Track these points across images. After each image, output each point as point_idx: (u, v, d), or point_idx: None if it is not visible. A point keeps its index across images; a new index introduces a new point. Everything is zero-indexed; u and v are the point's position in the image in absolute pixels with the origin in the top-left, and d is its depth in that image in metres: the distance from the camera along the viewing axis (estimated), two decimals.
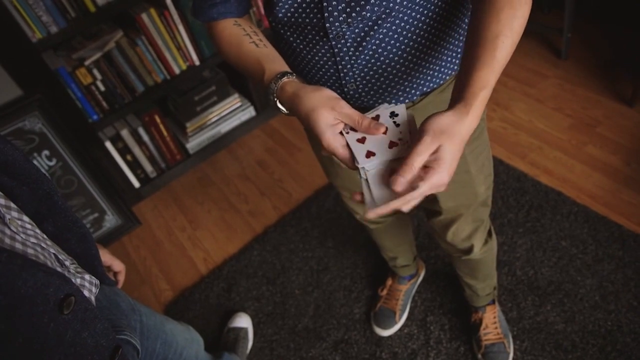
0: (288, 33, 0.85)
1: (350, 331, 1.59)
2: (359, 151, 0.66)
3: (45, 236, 0.64)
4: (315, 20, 0.77)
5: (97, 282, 0.72)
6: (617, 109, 2.02)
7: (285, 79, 0.73)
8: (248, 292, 1.75)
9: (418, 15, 0.77)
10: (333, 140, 0.67)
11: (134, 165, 2.16)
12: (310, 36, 0.81)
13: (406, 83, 0.85)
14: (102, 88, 1.87)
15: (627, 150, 1.86)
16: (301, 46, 0.85)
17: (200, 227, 2.04)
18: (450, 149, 0.61)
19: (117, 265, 0.95)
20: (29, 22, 1.59)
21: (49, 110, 1.77)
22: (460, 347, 1.48)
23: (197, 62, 2.06)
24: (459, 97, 0.65)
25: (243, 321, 1.65)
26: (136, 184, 2.19)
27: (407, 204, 0.61)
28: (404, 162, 0.60)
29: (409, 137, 0.66)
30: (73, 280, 0.64)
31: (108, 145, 2.03)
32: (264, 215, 2.01)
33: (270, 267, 1.81)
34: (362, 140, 0.67)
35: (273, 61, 0.77)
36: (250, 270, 1.82)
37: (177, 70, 2.03)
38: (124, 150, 2.10)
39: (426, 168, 0.61)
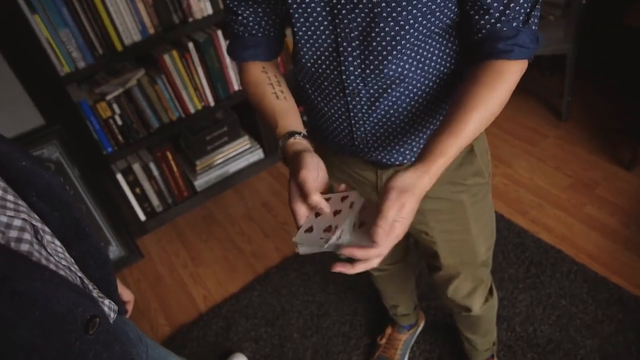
0: (307, 85, 0.91)
1: None
2: (304, 226, 0.71)
3: (72, 260, 0.67)
4: (334, 74, 0.83)
5: (116, 308, 0.74)
6: (616, 172, 2.08)
7: (291, 140, 0.79)
8: (247, 333, 1.75)
9: (429, 82, 0.83)
10: (296, 202, 0.72)
11: (142, 199, 2.20)
12: (328, 90, 0.87)
13: (413, 143, 0.91)
14: (120, 122, 1.94)
15: (625, 212, 1.90)
16: (319, 98, 0.90)
17: (203, 264, 2.05)
18: (410, 204, 0.66)
19: (127, 295, 0.97)
20: (59, 56, 1.67)
21: (67, 140, 1.83)
22: None
23: (212, 103, 2.13)
24: (421, 157, 0.70)
25: None
26: (142, 217, 2.22)
27: (378, 258, 0.66)
28: (379, 216, 0.64)
29: (346, 223, 0.70)
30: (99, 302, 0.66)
31: (119, 177, 2.07)
32: (266, 257, 2.02)
33: (270, 309, 1.81)
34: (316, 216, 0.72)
35: (287, 116, 0.83)
36: (250, 310, 1.82)
37: (192, 110, 2.10)
38: (134, 183, 2.14)
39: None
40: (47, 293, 0.49)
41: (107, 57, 1.79)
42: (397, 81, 0.81)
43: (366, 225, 0.71)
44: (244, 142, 2.38)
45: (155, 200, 2.23)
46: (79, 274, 0.65)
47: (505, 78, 0.73)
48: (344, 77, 0.82)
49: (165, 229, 2.25)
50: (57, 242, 0.64)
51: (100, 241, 1.99)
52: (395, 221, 0.65)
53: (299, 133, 0.80)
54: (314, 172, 0.71)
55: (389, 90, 0.82)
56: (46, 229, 0.61)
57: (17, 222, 0.53)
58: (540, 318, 1.61)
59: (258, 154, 2.42)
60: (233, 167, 2.37)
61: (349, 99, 0.85)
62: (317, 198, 0.69)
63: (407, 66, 0.79)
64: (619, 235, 1.83)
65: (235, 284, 1.94)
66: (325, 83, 0.86)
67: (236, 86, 2.18)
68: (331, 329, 1.72)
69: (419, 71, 0.81)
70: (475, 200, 1.01)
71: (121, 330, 0.87)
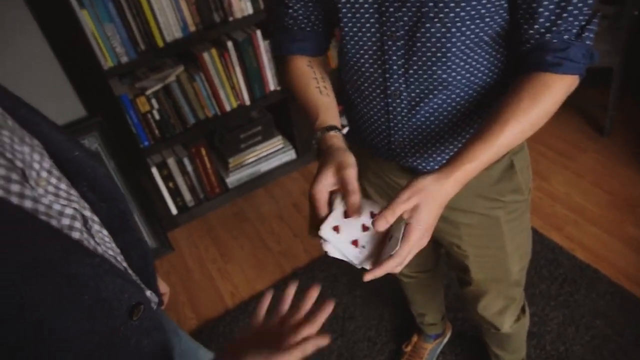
0: (349, 84, 0.91)
1: None
2: (331, 222, 0.70)
3: (119, 251, 0.68)
4: (377, 73, 0.82)
5: (156, 299, 0.76)
6: None
7: (332, 133, 0.78)
8: None
9: (473, 92, 0.81)
10: (320, 189, 0.70)
11: (175, 193, 2.23)
12: (370, 89, 0.86)
13: (451, 151, 0.89)
14: (157, 117, 1.97)
15: None
16: (359, 98, 0.90)
17: (232, 261, 2.07)
18: (427, 208, 0.64)
19: (163, 287, 0.98)
20: (104, 51, 1.71)
21: (106, 132, 1.87)
22: None
23: (247, 102, 2.15)
24: (448, 161, 0.68)
25: None
26: (174, 211, 2.25)
27: (398, 265, 0.65)
28: (387, 206, 0.64)
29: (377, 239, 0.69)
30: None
31: (154, 171, 2.11)
32: (294, 257, 2.03)
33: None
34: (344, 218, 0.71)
35: (328, 112, 0.83)
36: None
37: (228, 108, 2.12)
38: (168, 178, 2.17)
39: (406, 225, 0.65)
40: (96, 278, 0.49)
41: (149, 52, 1.82)
42: (440, 87, 0.79)
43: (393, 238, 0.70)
44: (277, 142, 2.39)
45: (187, 195, 2.27)
46: (124, 264, 0.66)
47: (551, 91, 0.70)
48: (387, 76, 0.81)
49: (196, 223, 2.29)
50: (105, 232, 0.64)
51: None
52: (412, 225, 0.64)
53: (339, 130, 0.79)
54: (356, 171, 0.70)
55: (431, 96, 0.81)
56: (95, 218, 0.62)
57: (69, 211, 0.54)
58: (572, 337, 1.57)
59: (290, 155, 2.43)
60: (265, 166, 2.39)
61: (389, 100, 0.84)
62: (358, 198, 0.68)
63: (452, 72, 0.78)
64: None
65: (262, 282, 1.95)
66: (368, 82, 0.85)
67: (272, 86, 2.19)
68: (356, 333, 1.71)
69: (464, 80, 0.79)
70: (512, 217, 0.98)
71: (161, 319, 0.88)
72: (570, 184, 2.11)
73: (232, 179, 2.33)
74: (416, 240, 0.64)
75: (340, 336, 1.71)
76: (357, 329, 1.72)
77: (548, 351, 1.55)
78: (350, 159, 0.70)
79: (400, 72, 0.80)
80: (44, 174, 0.52)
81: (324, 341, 0.62)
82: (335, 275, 1.91)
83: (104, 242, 0.61)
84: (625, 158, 2.19)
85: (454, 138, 0.87)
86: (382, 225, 0.63)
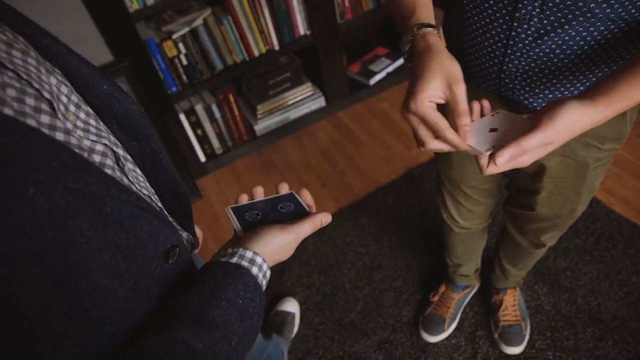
0: (465, 0, 0.80)
1: (396, 332, 1.58)
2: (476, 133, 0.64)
3: (153, 191, 0.66)
4: None
5: (193, 241, 0.74)
6: None
7: (430, 30, 0.69)
8: (299, 279, 1.78)
9: (615, 27, 0.70)
10: (429, 104, 0.63)
11: (203, 140, 2.23)
12: (493, 9, 0.76)
13: (567, 91, 0.80)
14: (185, 62, 1.94)
15: None
16: (476, 18, 0.80)
17: None
18: (556, 145, 0.59)
19: (197, 231, 0.98)
20: None
21: (134, 78, 1.85)
22: None
23: (276, 47, 2.08)
24: (600, 91, 0.59)
25: (291, 306, 1.68)
26: (202, 158, 2.26)
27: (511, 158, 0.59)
28: (516, 142, 0.57)
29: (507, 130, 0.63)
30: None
31: (182, 117, 2.10)
32: (322, 206, 2.02)
33: (323, 257, 1.82)
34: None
35: (426, 10, 0.74)
36: (304, 257, 1.84)
37: (256, 53, 2.06)
38: (196, 125, 2.16)
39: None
40: (131, 218, 0.47)
41: None
42: (581, 17, 0.69)
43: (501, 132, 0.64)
44: (306, 89, 2.33)
45: (215, 142, 2.26)
46: (159, 204, 0.64)
47: None
48: None
49: (223, 171, 2.29)
50: (139, 171, 0.62)
51: None
52: (529, 153, 0.58)
53: (437, 28, 0.71)
54: (463, 84, 0.63)
55: (566, 26, 0.71)
56: (128, 156, 0.60)
57: (99, 147, 0.52)
58: (605, 293, 1.53)
59: (320, 102, 2.37)
60: (294, 114, 2.35)
61: (515, 24, 0.74)
62: (469, 121, 0.62)
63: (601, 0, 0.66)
64: None
65: None
66: (494, 0, 0.75)
67: (302, 30, 2.11)
68: (383, 283, 1.71)
69: (612, 12, 0.67)
70: (600, 164, 0.93)
71: (195, 263, 0.88)
72: None
73: (260, 127, 2.31)
74: (525, 162, 0.59)
75: (367, 285, 1.71)
76: (384, 279, 1.72)
77: (579, 305, 1.52)
78: (460, 72, 0.63)
79: None
80: (72, 108, 0.49)
81: (327, 217, 0.65)
82: (363, 225, 1.90)
83: (137, 182, 0.59)
84: None
85: (575, 77, 0.77)
86: (504, 162, 0.58)
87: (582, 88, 0.79)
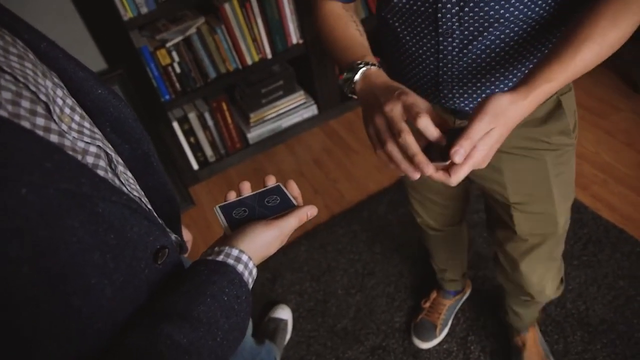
0: (397, 23, 0.86)
1: (388, 338, 1.59)
2: None
3: (143, 193, 0.67)
4: (429, 11, 0.78)
5: (182, 243, 0.75)
6: None
7: (381, 70, 0.74)
8: (292, 286, 1.78)
9: (528, 27, 0.77)
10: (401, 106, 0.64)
11: (196, 148, 2.24)
12: (419, 28, 0.82)
13: (497, 91, 0.85)
14: (178, 70, 1.95)
15: None
16: (407, 37, 0.86)
17: None
18: (499, 131, 0.61)
19: (187, 235, 0.98)
20: (123, 1, 1.68)
21: (127, 85, 1.86)
22: None
23: (269, 56, 2.11)
24: (523, 81, 0.64)
25: (284, 313, 1.68)
26: (195, 166, 2.27)
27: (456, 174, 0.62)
28: (463, 136, 0.60)
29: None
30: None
31: (175, 125, 2.11)
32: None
33: (316, 264, 1.84)
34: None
35: (369, 53, 0.79)
36: (296, 264, 1.85)
37: (249, 61, 2.08)
38: (189, 133, 2.17)
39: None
40: (122, 219, 0.48)
41: (169, 3, 1.79)
42: (496, 24, 0.75)
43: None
44: (299, 97, 2.36)
45: (208, 150, 2.27)
46: (149, 206, 0.65)
47: (632, 9, 0.65)
48: (439, 15, 0.77)
49: (216, 179, 2.30)
50: (129, 174, 0.63)
51: None
52: (478, 146, 0.60)
53: (375, 65, 0.75)
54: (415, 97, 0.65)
55: (485, 33, 0.77)
56: (119, 159, 0.61)
57: (93, 149, 0.53)
58: (594, 297, 1.56)
59: (312, 110, 2.40)
60: (286, 122, 2.37)
61: (440, 39, 0.80)
62: (426, 120, 0.63)
63: (510, 7, 0.73)
64: None
65: None
66: (418, 20, 0.81)
67: (294, 39, 2.14)
68: (375, 289, 1.73)
69: (521, 15, 0.74)
70: (559, 162, 0.94)
71: (184, 265, 0.89)
72: (600, 143, 2.05)
73: (253, 134, 2.32)
74: (480, 162, 0.62)
75: (359, 291, 1.73)
76: (376, 285, 1.74)
77: (569, 309, 1.54)
78: (406, 89, 0.67)
79: (454, 10, 0.76)
80: (67, 110, 0.51)
81: (313, 210, 0.67)
82: (355, 231, 1.91)
83: (128, 183, 0.60)
84: None
85: (505, 77, 0.83)
86: (461, 157, 0.60)
87: (510, 84, 0.84)
